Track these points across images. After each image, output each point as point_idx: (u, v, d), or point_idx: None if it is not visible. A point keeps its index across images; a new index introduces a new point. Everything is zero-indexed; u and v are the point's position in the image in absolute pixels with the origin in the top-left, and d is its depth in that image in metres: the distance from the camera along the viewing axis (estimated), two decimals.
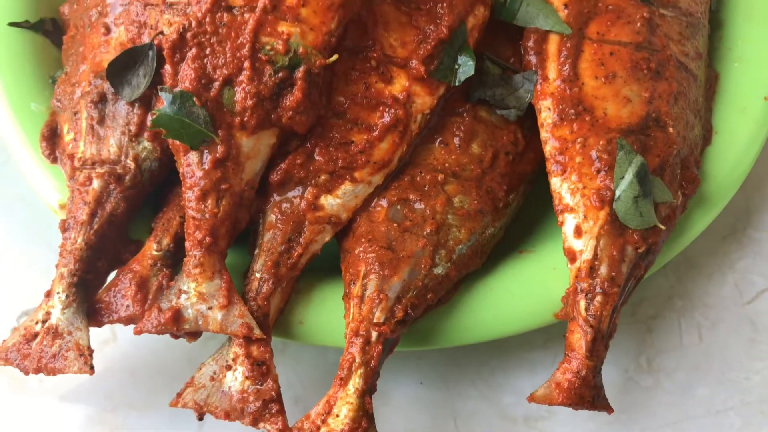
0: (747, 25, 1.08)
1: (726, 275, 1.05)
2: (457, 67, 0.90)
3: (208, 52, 0.81)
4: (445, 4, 0.89)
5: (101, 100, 0.91)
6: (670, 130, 0.90)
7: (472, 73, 0.89)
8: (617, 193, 0.85)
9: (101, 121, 0.90)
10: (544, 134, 0.90)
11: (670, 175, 0.89)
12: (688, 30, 0.98)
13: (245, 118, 0.82)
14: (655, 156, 0.88)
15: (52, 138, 0.97)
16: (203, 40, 0.80)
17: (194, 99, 0.81)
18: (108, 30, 0.94)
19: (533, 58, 0.93)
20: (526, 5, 0.94)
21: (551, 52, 0.92)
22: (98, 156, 0.89)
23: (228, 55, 0.81)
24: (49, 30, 1.08)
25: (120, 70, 0.86)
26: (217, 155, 0.82)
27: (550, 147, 0.89)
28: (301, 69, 0.82)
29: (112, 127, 0.90)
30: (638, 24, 0.93)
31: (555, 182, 0.89)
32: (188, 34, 0.80)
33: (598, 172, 0.86)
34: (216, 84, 0.81)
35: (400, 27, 0.88)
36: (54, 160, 0.96)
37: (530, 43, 0.93)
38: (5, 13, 1.06)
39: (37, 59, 1.05)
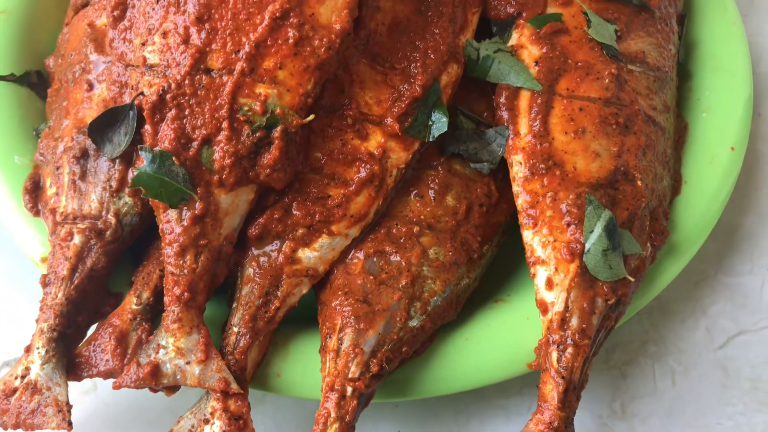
0: (714, 76, 1.11)
1: (699, 320, 1.08)
2: (431, 123, 0.93)
3: (187, 113, 0.83)
4: (418, 64, 0.92)
5: (83, 155, 0.93)
6: (639, 183, 0.93)
7: (446, 129, 0.92)
8: (587, 246, 0.87)
9: (83, 176, 0.92)
10: (516, 188, 0.93)
11: (638, 228, 0.91)
12: (656, 84, 1.02)
13: (224, 176, 0.84)
14: (623, 209, 0.91)
15: (34, 191, 0.99)
16: (182, 101, 0.83)
17: (173, 158, 0.83)
18: (91, 86, 0.96)
19: (505, 114, 0.96)
20: (497, 62, 0.97)
21: (522, 108, 0.95)
22: (80, 211, 0.91)
23: (207, 116, 0.83)
24: (33, 82, 1.10)
25: (102, 127, 0.88)
26: (196, 212, 0.84)
27: (521, 201, 0.91)
28: (279, 128, 0.84)
29: (94, 182, 0.91)
30: (607, 80, 0.96)
31: (527, 235, 0.91)
32: (168, 96, 0.82)
33: (568, 225, 0.88)
34: (195, 143, 0.83)
35: (375, 85, 0.91)
36: (36, 213, 0.98)
37: (502, 99, 0.96)
38: None
39: (22, 112, 1.07)
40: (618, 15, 1.01)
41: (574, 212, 0.89)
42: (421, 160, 0.96)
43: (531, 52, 0.97)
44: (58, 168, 0.95)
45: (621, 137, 0.94)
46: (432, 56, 0.92)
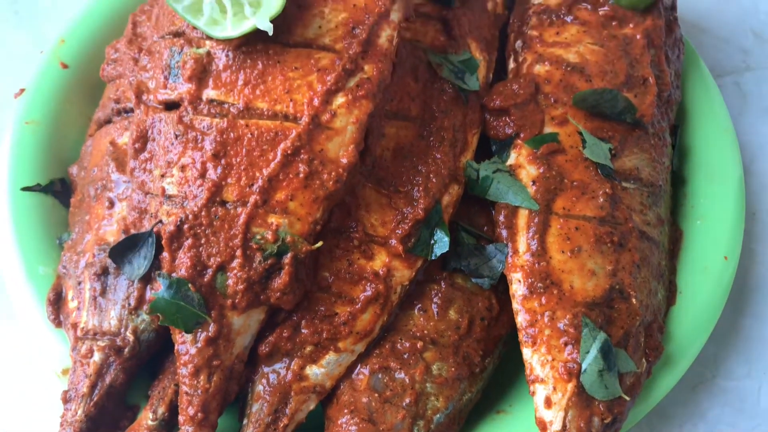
0: (707, 183, 1.16)
1: (697, 425, 1.10)
2: (433, 242, 0.97)
3: (203, 241, 0.88)
4: (421, 188, 0.97)
5: (104, 272, 0.98)
6: (634, 301, 0.96)
7: (447, 249, 0.96)
8: (583, 366, 0.91)
9: (103, 292, 0.97)
10: (515, 305, 0.97)
11: (633, 345, 0.95)
12: (650, 199, 1.06)
13: (236, 300, 0.89)
14: (619, 328, 0.94)
15: (57, 302, 1.04)
16: (199, 231, 0.88)
17: (189, 285, 0.87)
18: (112, 204, 1.02)
19: (504, 232, 1.00)
20: (496, 182, 1.02)
21: (521, 226, 1.00)
22: (100, 328, 0.96)
23: (221, 245, 0.88)
24: (57, 191, 1.16)
25: (123, 251, 0.94)
26: (210, 334, 0.88)
27: (521, 319, 0.95)
28: (289, 255, 0.89)
29: (113, 300, 0.96)
30: (601, 199, 1.00)
31: (526, 353, 0.94)
32: (185, 227, 0.88)
33: (566, 345, 0.92)
34: (210, 270, 0.88)
35: (380, 208, 0.96)
36: (58, 324, 1.03)
37: (501, 218, 1.01)
38: (20, 177, 1.14)
39: (46, 221, 1.13)
40: (613, 133, 1.06)
41: (571, 332, 0.92)
42: (425, 273, 1.00)
43: (529, 172, 1.02)
44: (79, 283, 1.00)
45: (616, 255, 0.98)
46: (434, 180, 0.98)
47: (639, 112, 1.07)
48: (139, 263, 0.93)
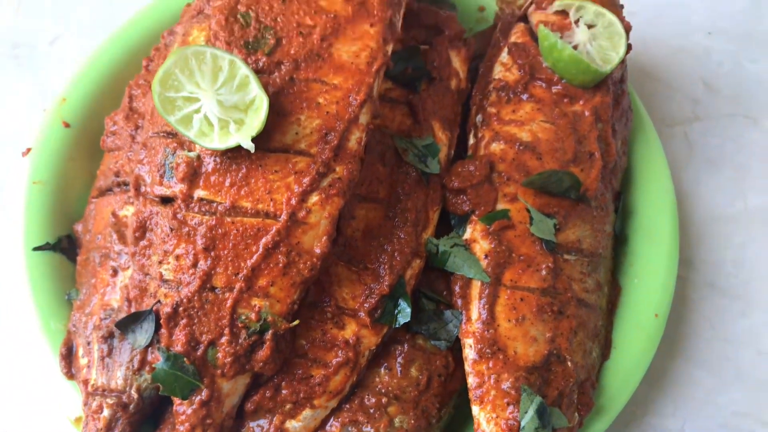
0: (646, 244, 1.30)
1: None
2: (397, 312, 1.12)
3: (195, 321, 1.02)
4: (386, 266, 1.11)
5: (110, 336, 1.12)
6: (569, 364, 1.12)
7: (409, 318, 1.11)
8: (522, 423, 1.06)
9: (110, 354, 1.12)
10: (467, 367, 1.12)
11: (567, 403, 1.11)
12: (590, 267, 1.20)
13: (225, 370, 1.03)
14: (554, 389, 1.10)
15: (68, 356, 1.18)
16: (192, 312, 1.02)
17: (184, 359, 1.02)
18: (115, 272, 1.16)
19: (459, 301, 1.15)
20: (453, 256, 1.16)
21: (473, 296, 1.14)
22: (108, 386, 1.11)
23: (212, 324, 1.02)
24: (64, 247, 1.29)
25: (127, 323, 1.08)
26: (203, 398, 1.04)
27: (471, 380, 1.11)
28: (270, 332, 1.03)
29: (119, 361, 1.11)
30: (544, 272, 1.15)
31: (475, 409, 1.10)
32: (180, 309, 1.02)
33: (508, 405, 1.08)
34: (202, 346, 1.02)
35: (350, 284, 1.10)
36: (70, 377, 1.17)
37: (457, 288, 1.15)
38: (31, 236, 1.27)
39: (56, 277, 1.26)
40: (558, 209, 1.19)
41: (513, 394, 1.08)
42: (390, 336, 1.15)
43: (482, 246, 1.16)
44: (89, 343, 1.14)
45: (555, 323, 1.13)
46: (398, 258, 1.12)
47: (584, 186, 1.20)
48: (142, 336, 1.07)
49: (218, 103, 0.97)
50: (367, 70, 1.07)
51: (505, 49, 1.33)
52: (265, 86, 1.03)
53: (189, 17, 1.13)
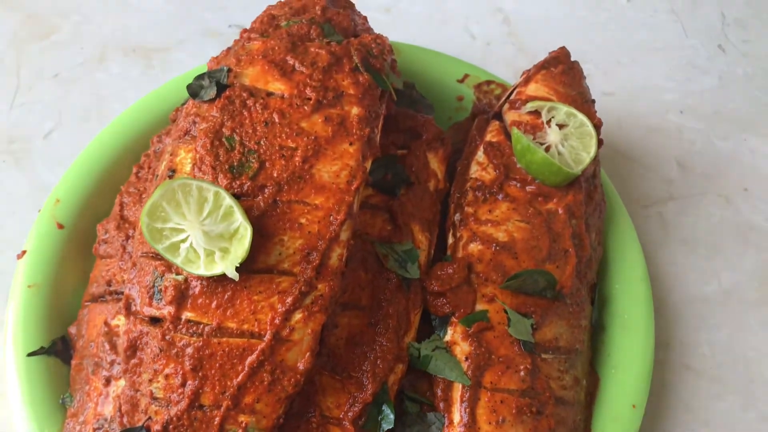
0: (622, 333, 1.35)
1: None
2: (381, 418, 1.16)
3: None
4: (369, 375, 1.15)
5: None
6: None
7: (392, 426, 1.15)
8: None
9: None
10: None
11: None
12: (567, 363, 1.25)
13: None
14: None
15: None
16: (182, 430, 1.06)
17: None
18: (108, 382, 1.19)
19: (441, 404, 1.19)
20: (435, 359, 1.20)
21: (455, 399, 1.18)
22: None
23: None
24: (59, 350, 1.33)
25: None
26: None
27: None
28: None
29: None
30: (522, 373, 1.19)
31: None
32: (170, 426, 1.06)
33: None
34: None
35: (334, 392, 1.14)
36: None
37: (438, 391, 1.19)
38: (26, 341, 1.31)
39: (50, 382, 1.29)
40: (535, 308, 1.24)
41: None
42: None
43: (462, 348, 1.20)
44: None
45: (534, 423, 1.17)
46: (380, 365, 1.16)
47: (559, 284, 1.25)
48: None
49: (203, 234, 1.02)
50: (346, 188, 1.12)
51: (481, 148, 1.38)
52: (250, 210, 1.08)
53: (176, 137, 1.18)
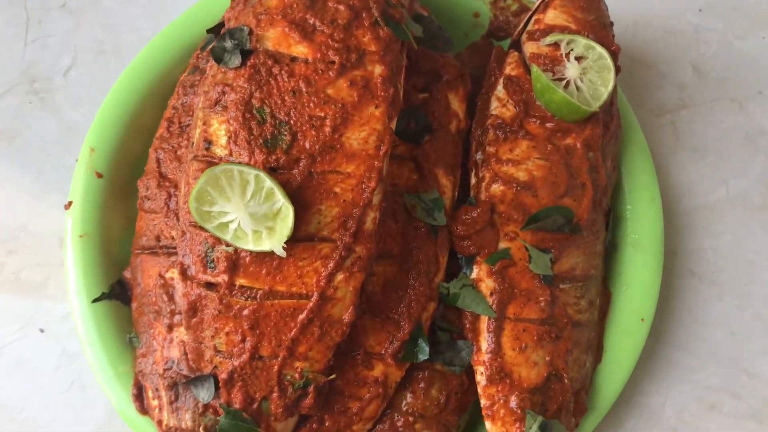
0: (635, 253, 1.46)
1: None
2: (417, 350, 1.30)
3: (249, 383, 1.21)
4: (405, 314, 1.28)
5: (175, 385, 1.32)
6: (566, 381, 1.32)
7: (427, 356, 1.30)
8: None
9: (177, 398, 1.32)
10: (479, 391, 1.32)
11: (565, 413, 1.32)
12: (583, 289, 1.37)
13: (278, 416, 1.24)
14: (554, 403, 1.31)
15: (140, 395, 1.39)
16: (245, 377, 1.21)
17: (243, 413, 1.22)
18: (170, 329, 1.33)
19: (470, 334, 1.33)
20: (463, 296, 1.32)
21: (482, 330, 1.32)
22: (179, 425, 1.32)
23: (263, 384, 1.21)
24: (118, 293, 1.46)
25: (192, 382, 1.27)
26: None
27: (483, 401, 1.31)
28: (312, 386, 1.23)
29: (185, 406, 1.31)
30: (542, 304, 1.31)
31: (488, 424, 1.31)
32: (235, 375, 1.21)
33: (516, 421, 1.29)
34: (256, 402, 1.22)
35: (375, 332, 1.28)
36: (144, 413, 1.39)
37: (467, 323, 1.33)
38: (89, 288, 1.44)
39: (116, 323, 1.43)
40: (553, 243, 1.33)
41: (519, 412, 1.29)
42: (412, 363, 1.34)
43: (487, 285, 1.32)
44: (157, 389, 1.35)
45: (553, 346, 1.32)
46: (414, 306, 1.28)
47: (576, 217, 1.34)
48: (204, 393, 1.26)
49: (249, 216, 1.10)
50: (375, 154, 1.18)
51: (501, 83, 1.41)
52: (287, 183, 1.15)
53: (207, 105, 1.22)
